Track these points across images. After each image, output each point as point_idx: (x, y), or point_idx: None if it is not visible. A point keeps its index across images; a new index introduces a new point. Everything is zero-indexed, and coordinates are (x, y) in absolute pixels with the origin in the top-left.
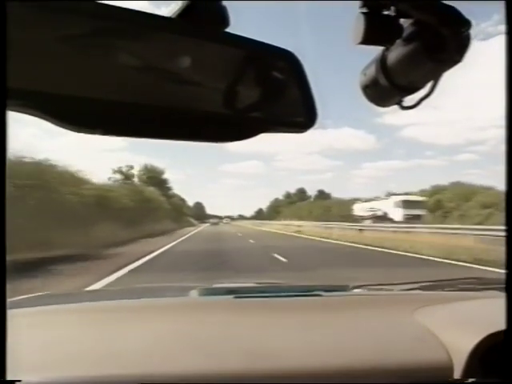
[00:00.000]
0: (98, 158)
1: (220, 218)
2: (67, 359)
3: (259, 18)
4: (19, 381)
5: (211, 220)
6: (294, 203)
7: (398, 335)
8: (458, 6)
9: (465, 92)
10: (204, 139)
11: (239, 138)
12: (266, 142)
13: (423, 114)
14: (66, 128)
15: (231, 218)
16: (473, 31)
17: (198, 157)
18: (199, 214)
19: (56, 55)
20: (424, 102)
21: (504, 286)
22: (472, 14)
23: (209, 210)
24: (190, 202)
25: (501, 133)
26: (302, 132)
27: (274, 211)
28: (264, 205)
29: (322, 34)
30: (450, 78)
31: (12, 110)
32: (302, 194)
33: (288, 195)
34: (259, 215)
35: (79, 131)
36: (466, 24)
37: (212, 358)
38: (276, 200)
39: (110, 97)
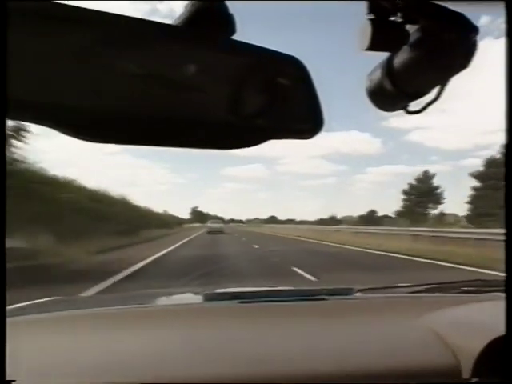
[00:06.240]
0: (97, 160)
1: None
2: (67, 366)
3: (263, 20)
4: (14, 381)
5: (210, 223)
6: None
7: (405, 339)
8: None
9: (474, 94)
10: (209, 146)
11: (245, 145)
12: (269, 145)
13: (431, 118)
14: (71, 136)
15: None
16: (488, 28)
17: (200, 160)
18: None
19: (58, 65)
20: (431, 106)
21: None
22: (487, 11)
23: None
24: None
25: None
26: (308, 138)
27: None
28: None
29: (330, 35)
30: (460, 79)
31: (14, 120)
32: None
33: None
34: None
35: (83, 140)
36: (473, 30)
37: (216, 363)
38: None
39: (114, 106)
